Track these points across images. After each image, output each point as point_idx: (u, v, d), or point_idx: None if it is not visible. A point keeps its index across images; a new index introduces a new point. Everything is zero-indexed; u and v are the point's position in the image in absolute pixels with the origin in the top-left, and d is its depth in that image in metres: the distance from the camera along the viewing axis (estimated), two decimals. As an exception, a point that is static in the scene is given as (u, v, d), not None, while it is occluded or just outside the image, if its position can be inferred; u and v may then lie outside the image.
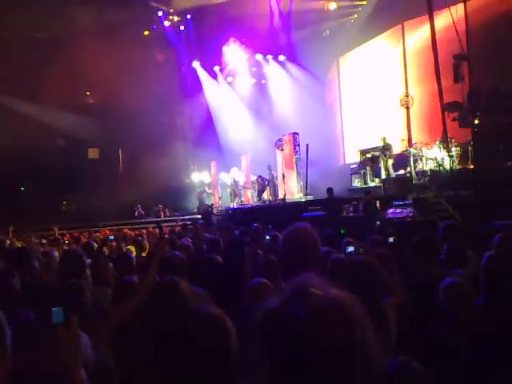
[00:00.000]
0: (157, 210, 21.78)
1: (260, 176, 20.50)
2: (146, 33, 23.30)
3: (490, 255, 2.96)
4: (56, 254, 5.77)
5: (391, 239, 5.53)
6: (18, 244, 9.93)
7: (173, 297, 2.61)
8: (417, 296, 3.44)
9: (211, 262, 5.21)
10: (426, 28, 13.41)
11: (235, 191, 21.43)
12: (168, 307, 2.53)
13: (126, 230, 12.60)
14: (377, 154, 16.61)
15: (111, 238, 9.21)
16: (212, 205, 19.92)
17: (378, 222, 8.55)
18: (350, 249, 3.73)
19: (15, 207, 20.32)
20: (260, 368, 1.13)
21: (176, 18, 23.45)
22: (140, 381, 2.53)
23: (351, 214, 12.82)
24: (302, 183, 18.76)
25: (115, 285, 3.83)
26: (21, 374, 1.69)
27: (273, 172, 20.38)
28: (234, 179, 21.55)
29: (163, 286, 2.75)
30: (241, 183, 21.62)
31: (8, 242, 10.17)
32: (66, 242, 9.90)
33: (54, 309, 1.78)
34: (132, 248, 7.16)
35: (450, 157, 13.68)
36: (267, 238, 6.33)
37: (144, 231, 11.86)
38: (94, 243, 7.56)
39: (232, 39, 22.73)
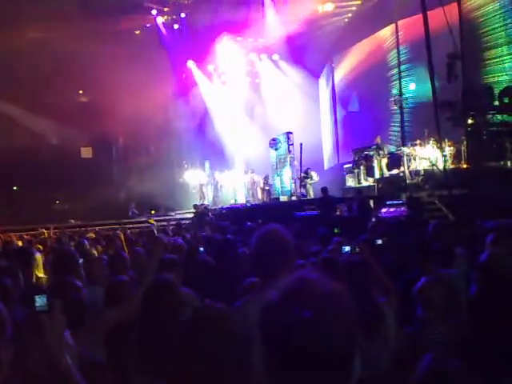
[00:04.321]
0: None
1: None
2: (140, 32, 23.16)
3: (489, 254, 2.95)
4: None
5: (379, 241, 5.46)
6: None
7: (170, 297, 2.59)
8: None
9: (201, 262, 5.18)
10: (420, 26, 13.42)
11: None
12: (166, 307, 2.52)
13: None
14: (371, 153, 16.60)
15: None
16: (208, 205, 19.93)
17: (374, 220, 8.55)
18: (346, 249, 3.73)
19: (8, 207, 20.20)
20: (259, 366, 1.12)
21: (170, 17, 23.36)
22: (133, 381, 2.50)
23: (345, 214, 12.83)
24: (295, 182, 18.79)
25: (108, 284, 3.80)
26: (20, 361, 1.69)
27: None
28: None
29: (160, 285, 2.73)
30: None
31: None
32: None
33: (37, 296, 1.78)
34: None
35: (444, 156, 13.71)
36: None
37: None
38: (86, 242, 7.51)
39: (225, 37, 22.63)
